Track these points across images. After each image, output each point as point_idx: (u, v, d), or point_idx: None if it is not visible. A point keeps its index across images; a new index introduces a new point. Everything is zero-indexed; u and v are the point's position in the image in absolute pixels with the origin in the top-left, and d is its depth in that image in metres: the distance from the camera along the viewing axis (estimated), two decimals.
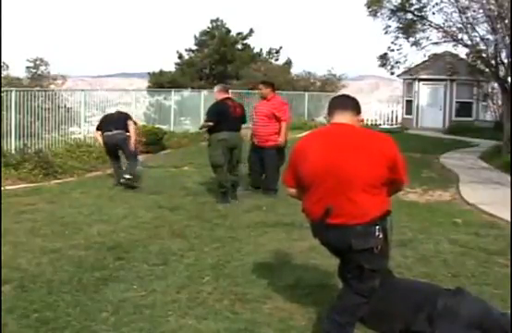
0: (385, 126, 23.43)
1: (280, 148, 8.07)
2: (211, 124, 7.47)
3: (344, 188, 3.02)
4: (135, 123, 9.18)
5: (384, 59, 17.45)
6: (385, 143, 3.12)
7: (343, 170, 3.02)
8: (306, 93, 23.91)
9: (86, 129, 13.56)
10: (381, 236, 3.04)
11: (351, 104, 3.28)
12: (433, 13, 15.57)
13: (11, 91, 10.94)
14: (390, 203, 3.18)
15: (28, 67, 21.92)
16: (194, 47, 31.59)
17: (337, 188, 3.03)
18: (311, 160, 3.11)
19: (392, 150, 3.10)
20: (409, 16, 16.17)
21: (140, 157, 12.23)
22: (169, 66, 47.15)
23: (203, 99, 18.25)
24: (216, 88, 7.98)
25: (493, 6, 13.32)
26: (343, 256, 3.21)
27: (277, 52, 31.99)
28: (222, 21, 31.04)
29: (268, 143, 8.02)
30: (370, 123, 23.97)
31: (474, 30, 14.68)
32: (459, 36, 15.20)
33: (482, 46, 14.75)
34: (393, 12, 16.22)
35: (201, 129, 8.49)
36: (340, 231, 3.04)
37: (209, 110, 7.77)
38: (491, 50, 14.49)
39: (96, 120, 14.86)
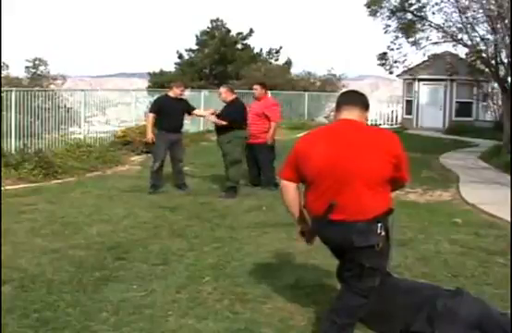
0: (385, 126, 23.43)
1: (270, 145, 8.51)
2: (213, 120, 8.00)
3: (348, 184, 3.00)
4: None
5: (383, 59, 17.47)
6: (391, 141, 3.11)
7: (347, 167, 3.00)
8: (306, 93, 23.90)
9: (86, 129, 13.57)
10: (383, 234, 3.03)
11: (360, 100, 3.24)
12: (433, 13, 15.63)
13: (11, 91, 10.93)
14: (392, 202, 3.17)
15: (27, 68, 21.93)
16: (194, 47, 31.62)
17: (341, 184, 3.01)
18: (316, 157, 3.07)
19: (397, 148, 3.10)
20: (409, 16, 16.20)
21: (140, 157, 12.26)
22: (169, 66, 47.12)
23: (203, 99, 18.24)
24: (223, 88, 8.23)
25: (493, 6, 13.33)
26: (343, 254, 3.19)
27: (277, 52, 32.02)
28: (222, 21, 31.09)
29: (259, 140, 8.39)
30: (370, 123, 23.95)
31: (474, 30, 14.71)
32: (459, 36, 15.24)
33: (482, 46, 14.77)
34: (392, 12, 16.24)
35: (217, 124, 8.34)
36: (342, 228, 3.02)
37: (234, 109, 7.94)
38: (491, 50, 14.51)
39: (96, 120, 14.97)
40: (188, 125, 17.93)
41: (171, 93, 8.42)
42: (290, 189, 3.25)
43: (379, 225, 3.01)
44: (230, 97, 8.02)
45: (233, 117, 7.80)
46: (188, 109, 8.57)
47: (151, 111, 8.40)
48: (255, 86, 8.77)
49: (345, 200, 3.01)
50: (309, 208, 3.20)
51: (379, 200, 3.05)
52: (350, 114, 3.17)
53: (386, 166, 3.03)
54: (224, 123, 7.80)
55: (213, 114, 8.14)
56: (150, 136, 8.26)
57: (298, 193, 3.26)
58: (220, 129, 7.98)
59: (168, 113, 8.16)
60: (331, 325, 3.18)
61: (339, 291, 3.31)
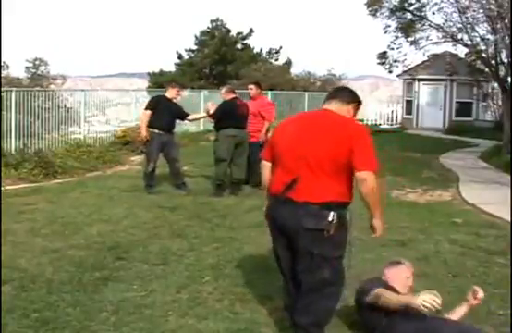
0: (385, 126, 23.43)
1: (263, 145, 8.45)
2: (211, 120, 8.28)
3: (303, 166, 3.12)
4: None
5: (383, 58, 17.47)
6: (354, 130, 3.16)
7: (304, 150, 3.13)
8: (306, 93, 23.89)
9: (86, 129, 13.57)
10: (335, 221, 3.05)
11: (340, 93, 3.42)
12: (433, 13, 15.61)
13: (11, 91, 10.92)
14: (353, 196, 3.19)
15: (27, 68, 21.94)
16: (194, 47, 31.62)
17: (298, 166, 3.13)
18: (283, 138, 3.29)
19: (358, 136, 3.10)
20: (409, 15, 16.20)
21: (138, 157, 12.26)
22: (169, 66, 47.17)
23: (203, 99, 18.24)
24: (223, 89, 8.45)
25: (493, 6, 13.33)
26: (292, 244, 3.17)
27: (277, 52, 32.05)
28: (222, 21, 31.12)
29: (253, 139, 8.48)
30: (370, 123, 23.96)
31: (474, 30, 14.70)
32: (459, 36, 15.23)
33: (482, 46, 14.77)
34: (392, 11, 16.24)
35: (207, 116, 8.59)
36: (294, 207, 3.09)
37: (221, 107, 8.13)
38: (491, 50, 14.50)
39: (96, 120, 14.98)
40: (189, 124, 17.99)
41: (167, 94, 8.49)
42: (267, 167, 3.43)
43: (331, 213, 3.04)
44: (227, 97, 8.20)
45: (217, 115, 8.02)
46: (180, 115, 8.54)
47: (147, 108, 8.30)
48: (250, 86, 8.91)
49: (302, 180, 3.11)
50: (269, 188, 3.34)
51: (334, 188, 3.09)
52: (329, 105, 3.37)
53: (341, 153, 3.06)
54: (209, 113, 8.15)
55: (213, 105, 8.24)
56: (144, 134, 8.19)
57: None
58: (215, 128, 8.33)
59: (163, 112, 8.16)
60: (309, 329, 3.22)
61: (296, 303, 3.28)
